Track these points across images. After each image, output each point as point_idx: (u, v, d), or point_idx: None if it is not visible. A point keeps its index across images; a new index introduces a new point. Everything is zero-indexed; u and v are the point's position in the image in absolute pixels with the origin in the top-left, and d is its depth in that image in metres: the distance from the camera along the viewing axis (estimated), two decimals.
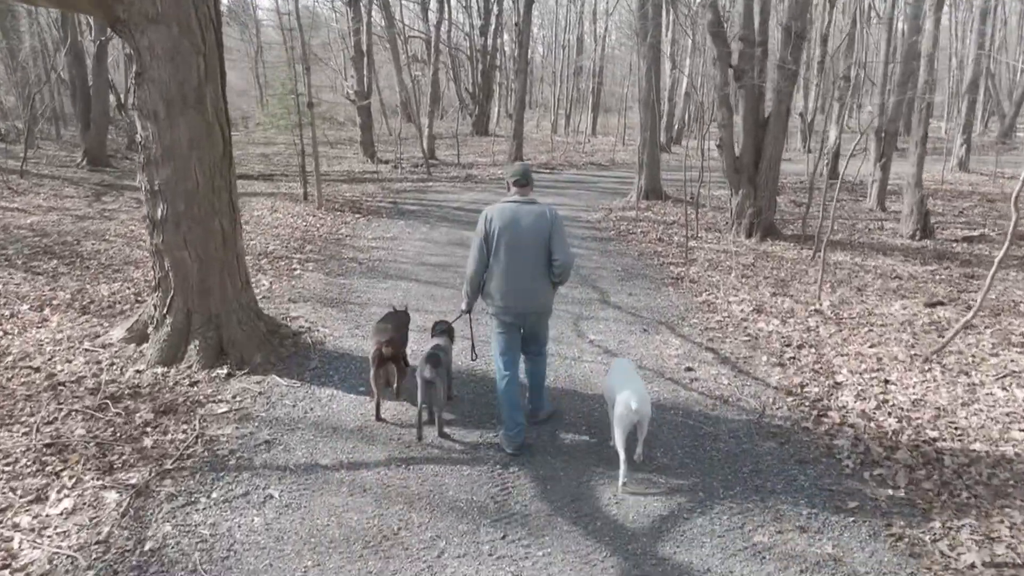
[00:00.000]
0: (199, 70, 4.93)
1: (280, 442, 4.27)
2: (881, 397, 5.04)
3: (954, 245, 10.94)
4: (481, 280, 4.19)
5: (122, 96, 24.88)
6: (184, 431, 4.33)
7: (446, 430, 4.40)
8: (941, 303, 7.42)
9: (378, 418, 4.55)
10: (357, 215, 12.42)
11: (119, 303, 6.86)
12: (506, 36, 37.55)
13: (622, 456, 3.80)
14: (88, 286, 7.42)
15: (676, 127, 28.23)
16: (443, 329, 4.73)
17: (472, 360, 4.92)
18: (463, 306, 4.42)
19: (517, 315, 4.17)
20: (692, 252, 9.71)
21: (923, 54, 12.27)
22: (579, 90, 39.07)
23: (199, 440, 4.24)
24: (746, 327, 6.61)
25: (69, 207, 12.08)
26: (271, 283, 7.75)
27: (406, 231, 11.13)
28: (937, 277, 8.76)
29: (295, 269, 8.45)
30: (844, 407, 4.89)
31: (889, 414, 4.77)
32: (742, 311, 7.08)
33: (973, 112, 23.10)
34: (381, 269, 8.63)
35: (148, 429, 4.34)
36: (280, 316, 6.39)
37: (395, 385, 4.77)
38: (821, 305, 7.21)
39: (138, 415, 4.49)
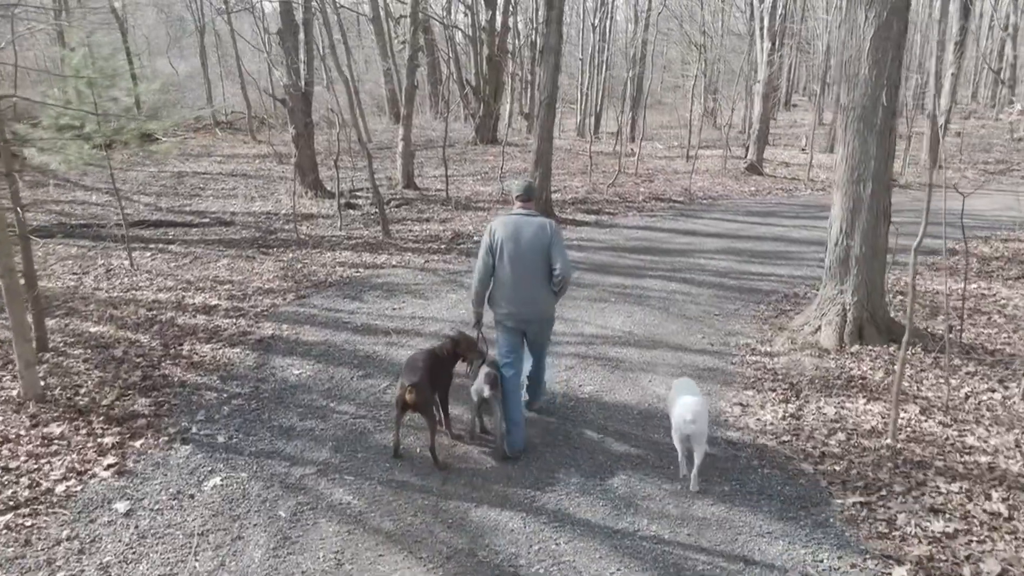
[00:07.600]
0: None
1: None
2: None
3: None
4: (486, 290, 4.43)
5: None
6: None
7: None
8: None
9: (396, 455, 4.34)
10: (124, 434, 4.49)
11: None
12: (520, 16, 29.52)
13: (681, 457, 3.91)
14: None
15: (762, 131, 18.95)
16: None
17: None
18: (475, 320, 4.57)
19: (520, 321, 4.39)
20: None
21: None
22: (611, 80, 30.81)
23: None
24: None
25: None
26: None
27: None
28: None
29: None
30: None
31: None
32: None
33: None
34: None
35: None
36: None
37: (430, 441, 4.22)
38: None
39: None
